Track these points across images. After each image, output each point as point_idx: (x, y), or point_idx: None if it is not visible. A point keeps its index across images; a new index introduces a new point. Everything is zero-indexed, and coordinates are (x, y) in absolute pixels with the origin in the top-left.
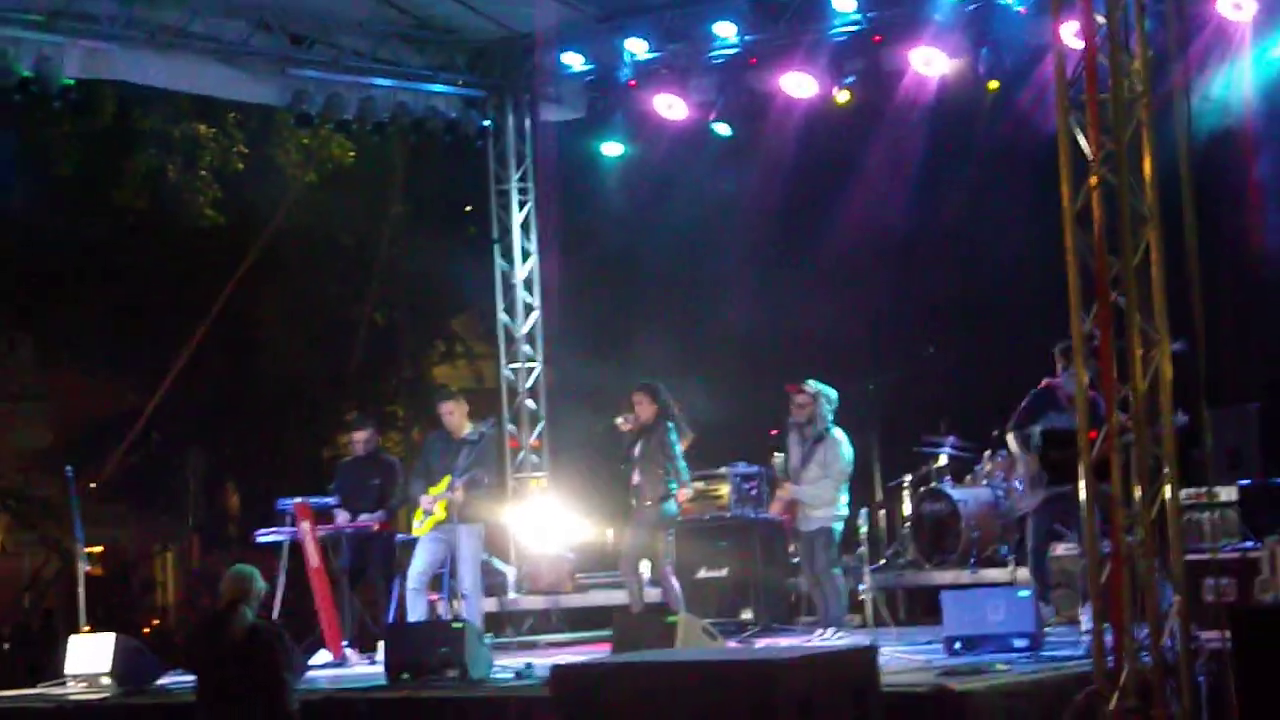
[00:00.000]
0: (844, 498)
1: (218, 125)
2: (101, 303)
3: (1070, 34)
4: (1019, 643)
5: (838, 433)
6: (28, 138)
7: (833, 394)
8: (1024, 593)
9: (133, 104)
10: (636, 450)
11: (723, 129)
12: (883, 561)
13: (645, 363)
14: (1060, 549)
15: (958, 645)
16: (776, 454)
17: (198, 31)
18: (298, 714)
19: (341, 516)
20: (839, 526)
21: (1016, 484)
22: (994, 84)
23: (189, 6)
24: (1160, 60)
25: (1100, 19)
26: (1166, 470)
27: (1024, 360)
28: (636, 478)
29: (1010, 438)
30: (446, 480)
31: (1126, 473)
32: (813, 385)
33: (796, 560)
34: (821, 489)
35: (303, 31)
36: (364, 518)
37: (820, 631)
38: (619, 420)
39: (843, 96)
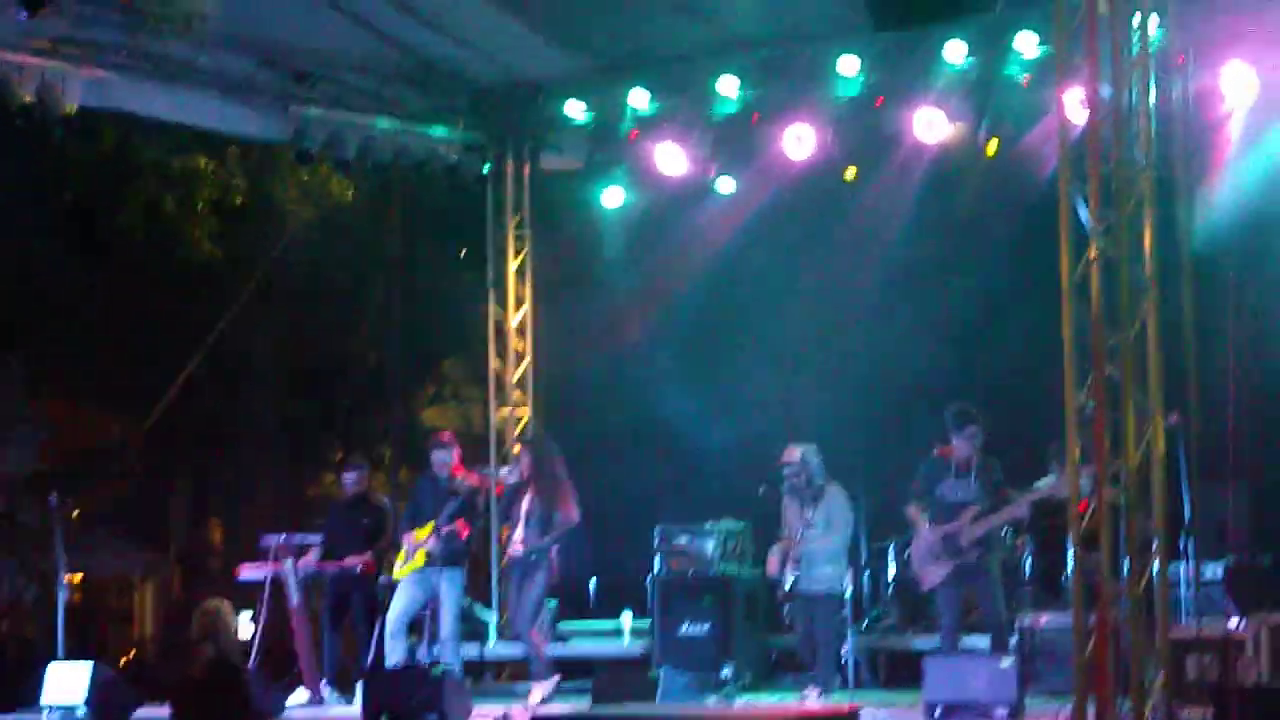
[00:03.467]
0: (845, 561)
1: (218, 159)
2: (94, 331)
3: (1074, 104)
4: (1000, 711)
5: (835, 487)
6: (27, 164)
7: (813, 448)
8: (1006, 661)
9: (133, 135)
10: (525, 505)
11: (723, 185)
12: (865, 625)
13: (634, 415)
14: (1044, 619)
15: (938, 711)
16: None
17: (201, 65)
18: None
19: (312, 556)
20: (845, 591)
21: (919, 558)
22: (992, 146)
23: (194, 40)
24: (1161, 132)
25: (1105, 90)
26: (1157, 544)
27: (1020, 428)
28: (519, 533)
29: (909, 509)
30: (430, 526)
31: (1115, 545)
32: (797, 448)
33: (788, 621)
34: (827, 544)
35: (306, 69)
36: (350, 559)
37: (809, 690)
38: (504, 471)
39: (849, 173)
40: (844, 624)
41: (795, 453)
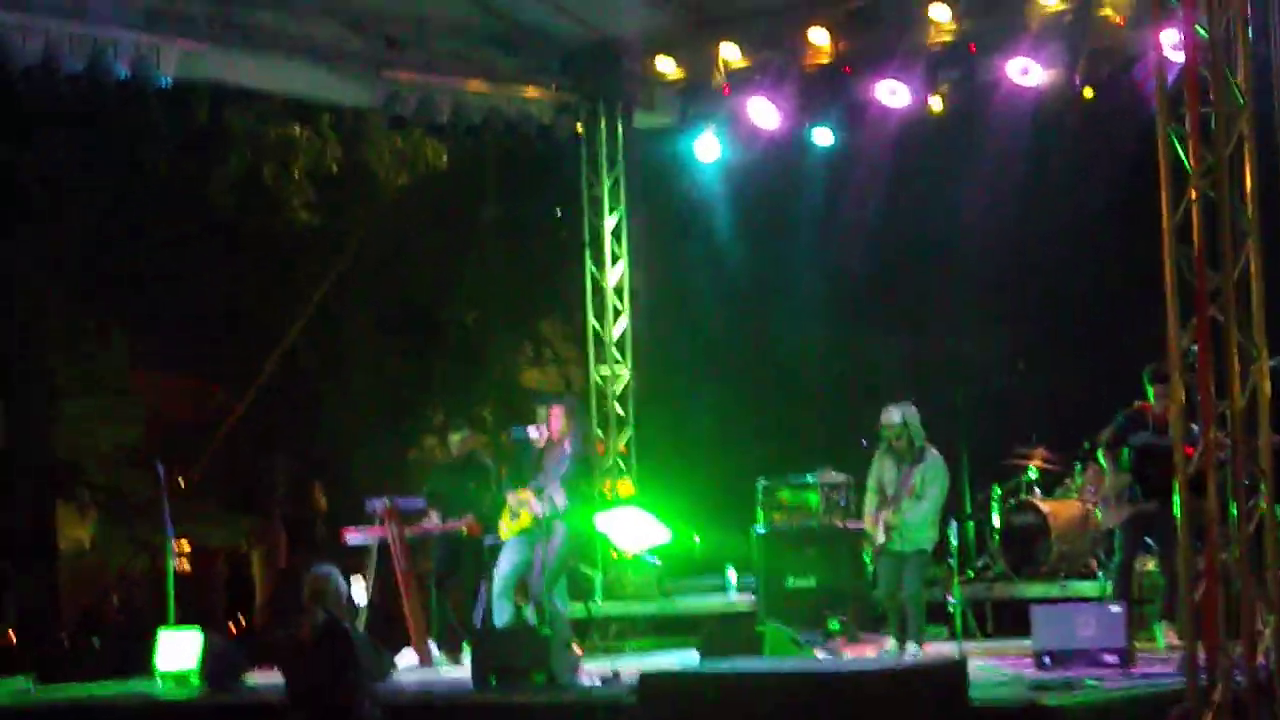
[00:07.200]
0: (938, 523)
1: (311, 127)
2: (195, 301)
3: (1170, 45)
4: (1109, 659)
5: (934, 452)
6: (124, 137)
7: (913, 409)
8: (1115, 608)
9: (227, 105)
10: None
11: (819, 137)
12: (971, 574)
13: (733, 370)
14: (1151, 564)
15: (1047, 660)
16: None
17: (292, 33)
18: (377, 716)
19: (432, 518)
20: (931, 548)
21: (1104, 499)
22: (1089, 91)
23: (284, 8)
24: (1263, 72)
25: (1202, 30)
26: (1264, 486)
27: (1115, 373)
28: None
29: (1102, 455)
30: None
31: (1223, 489)
32: (896, 409)
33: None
34: (924, 507)
35: (396, 34)
36: (456, 521)
37: (905, 649)
38: (531, 430)
39: (936, 104)
40: (924, 583)
41: (895, 414)
